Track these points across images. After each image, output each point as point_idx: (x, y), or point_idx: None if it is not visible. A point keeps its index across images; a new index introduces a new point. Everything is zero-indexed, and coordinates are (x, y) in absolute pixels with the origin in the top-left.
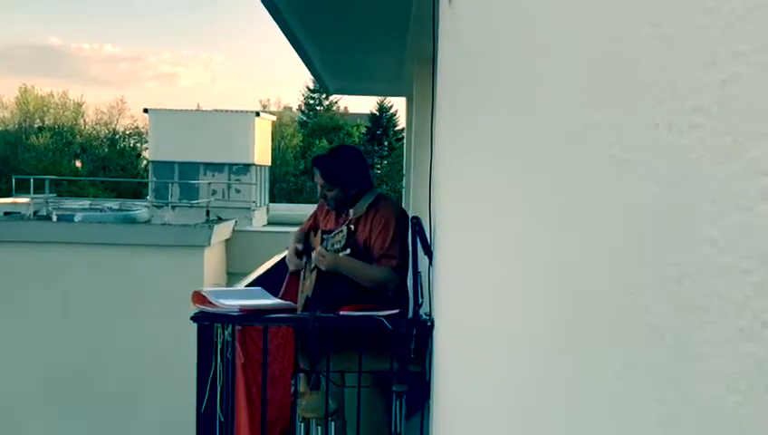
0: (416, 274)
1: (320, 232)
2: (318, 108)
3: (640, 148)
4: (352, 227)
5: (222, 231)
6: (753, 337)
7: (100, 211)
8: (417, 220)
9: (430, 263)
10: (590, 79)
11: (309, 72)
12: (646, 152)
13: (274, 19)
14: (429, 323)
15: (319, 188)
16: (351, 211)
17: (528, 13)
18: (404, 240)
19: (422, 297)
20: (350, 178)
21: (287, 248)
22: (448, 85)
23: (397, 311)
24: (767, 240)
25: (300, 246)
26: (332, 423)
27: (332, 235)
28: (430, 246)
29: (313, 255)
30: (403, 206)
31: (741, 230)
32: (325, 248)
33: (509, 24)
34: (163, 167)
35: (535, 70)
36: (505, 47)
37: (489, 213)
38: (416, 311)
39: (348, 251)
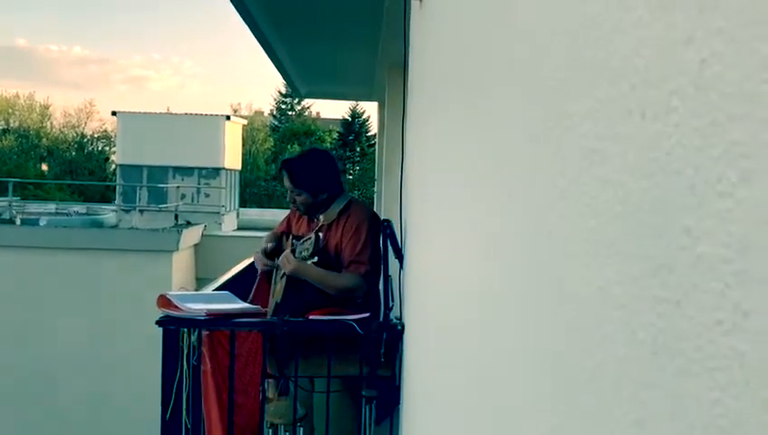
0: (386, 277)
1: (291, 237)
2: (290, 113)
3: (612, 136)
4: (321, 234)
5: (191, 236)
6: (733, 329)
7: (67, 215)
8: (388, 223)
9: (401, 266)
10: (559, 68)
11: (280, 76)
12: (618, 140)
13: (244, 20)
14: (399, 327)
15: (288, 192)
16: (322, 217)
17: (499, 7)
18: (375, 246)
19: (392, 301)
20: (320, 184)
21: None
22: (419, 88)
23: (367, 315)
24: (747, 227)
25: (269, 247)
26: (300, 429)
27: (301, 241)
28: (401, 250)
29: (280, 258)
30: (375, 210)
31: (720, 217)
32: (293, 255)
33: (479, 19)
34: (131, 170)
35: (505, 63)
36: (475, 42)
37: (460, 214)
38: (386, 315)
39: (315, 259)
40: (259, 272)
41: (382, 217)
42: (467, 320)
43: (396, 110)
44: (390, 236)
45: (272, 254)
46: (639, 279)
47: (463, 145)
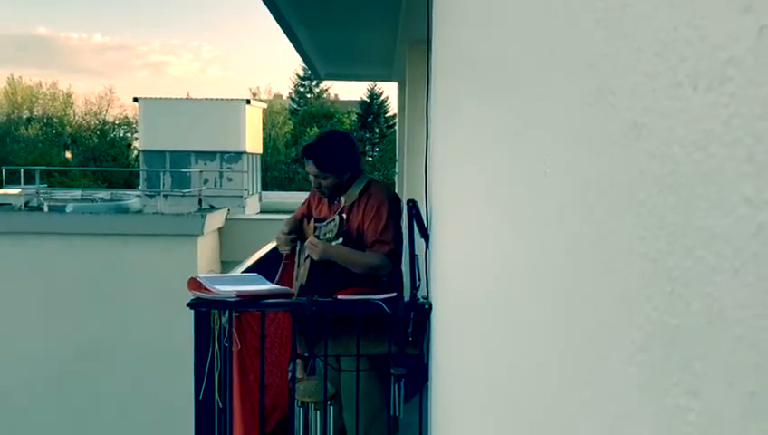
0: (413, 257)
1: (312, 220)
2: (308, 95)
3: (660, 109)
4: (344, 216)
5: (215, 220)
6: None
7: (92, 201)
8: (413, 203)
9: (427, 246)
10: (599, 43)
11: (299, 58)
12: (665, 114)
13: (264, 1)
14: (427, 306)
15: (312, 177)
16: (343, 199)
17: None
18: (397, 225)
19: (419, 280)
20: (343, 164)
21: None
22: (444, 65)
23: (394, 294)
24: None
25: (286, 229)
26: (331, 407)
27: (325, 223)
28: (427, 230)
29: (306, 243)
30: (397, 191)
31: None
32: (317, 237)
33: None
34: (154, 156)
35: (540, 33)
36: (507, 12)
37: (491, 192)
38: (413, 294)
39: (340, 240)
40: (284, 255)
41: (406, 198)
42: (498, 296)
43: (418, 89)
44: (416, 215)
45: (289, 233)
46: (693, 250)
47: (494, 123)
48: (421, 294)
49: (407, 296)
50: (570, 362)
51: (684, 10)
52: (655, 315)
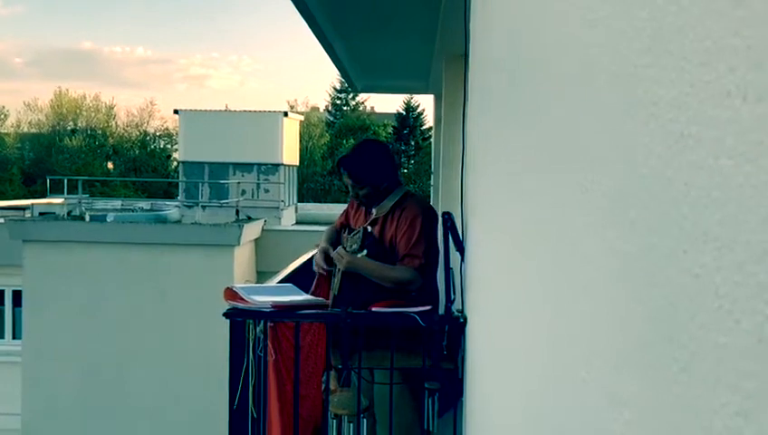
0: (447, 270)
1: (347, 230)
2: (345, 108)
3: (707, 120)
4: (369, 228)
5: (251, 230)
6: None
7: (132, 211)
8: (448, 216)
9: (462, 259)
10: (640, 54)
11: (336, 72)
12: (713, 125)
13: (302, 15)
14: (462, 320)
15: (350, 187)
16: (374, 210)
17: None
18: (430, 239)
19: (454, 293)
20: (379, 174)
21: (316, 246)
22: (482, 78)
23: (429, 308)
24: None
25: (330, 250)
26: (364, 420)
27: (351, 235)
28: (462, 242)
29: (333, 254)
30: (432, 203)
31: None
32: (344, 248)
33: (549, 4)
34: (193, 167)
35: (581, 43)
36: (545, 29)
37: (528, 206)
38: (448, 307)
39: (364, 253)
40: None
41: (442, 210)
42: (535, 311)
43: (454, 101)
44: (451, 228)
45: (330, 259)
46: (742, 266)
47: (533, 136)
48: (456, 307)
49: (441, 309)
50: (612, 380)
51: (729, 19)
52: (700, 333)
